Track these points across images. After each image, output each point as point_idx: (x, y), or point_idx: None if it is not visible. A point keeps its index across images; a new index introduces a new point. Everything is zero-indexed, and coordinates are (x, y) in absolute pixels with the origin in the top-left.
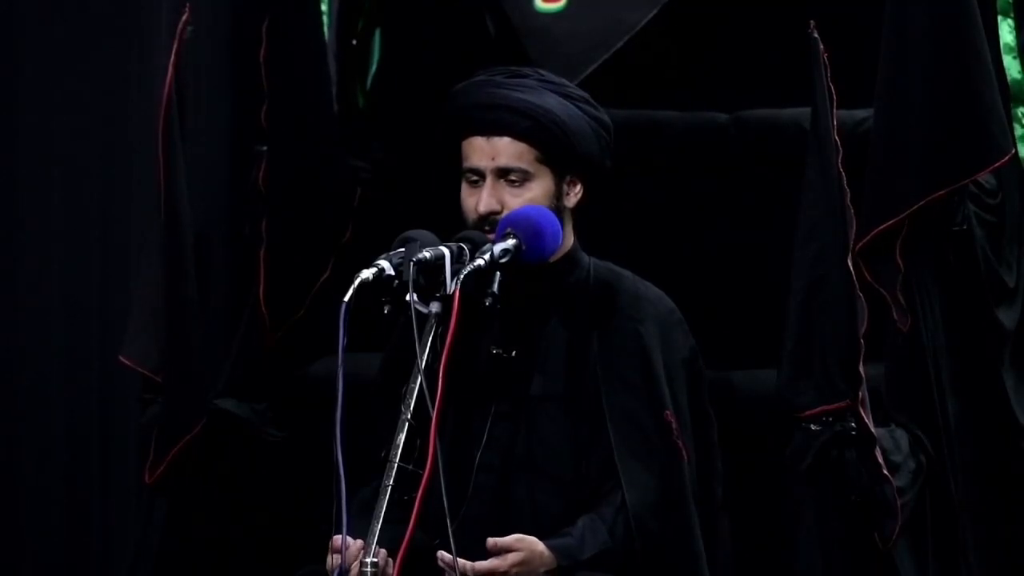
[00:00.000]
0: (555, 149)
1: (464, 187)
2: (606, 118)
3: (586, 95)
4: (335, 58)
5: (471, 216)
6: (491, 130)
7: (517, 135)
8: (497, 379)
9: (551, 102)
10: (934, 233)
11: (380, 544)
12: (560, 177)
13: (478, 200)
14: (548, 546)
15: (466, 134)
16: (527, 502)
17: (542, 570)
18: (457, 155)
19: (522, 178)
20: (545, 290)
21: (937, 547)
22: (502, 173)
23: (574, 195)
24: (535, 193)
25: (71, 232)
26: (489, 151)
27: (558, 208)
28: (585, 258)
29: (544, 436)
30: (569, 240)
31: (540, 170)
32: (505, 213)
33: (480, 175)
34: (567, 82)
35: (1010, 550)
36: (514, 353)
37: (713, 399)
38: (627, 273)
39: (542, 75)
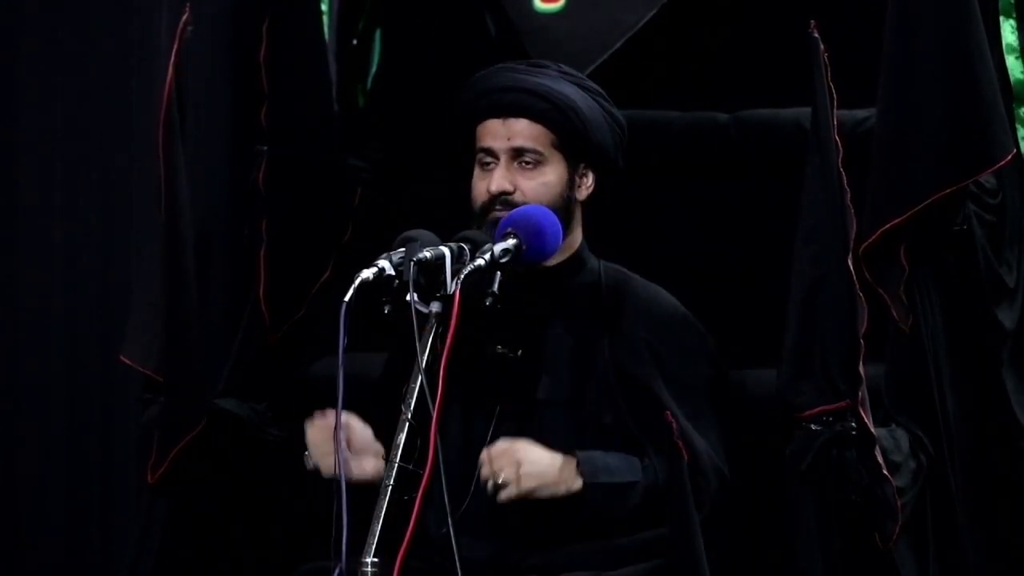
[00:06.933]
0: (570, 134)
1: (476, 171)
2: (621, 117)
3: (603, 92)
4: (335, 58)
5: (481, 198)
6: (508, 112)
7: (534, 117)
8: (502, 379)
9: (568, 90)
10: (934, 233)
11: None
12: (573, 166)
13: (490, 180)
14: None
15: (482, 118)
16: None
17: (560, 486)
18: (463, 150)
19: (536, 160)
20: (551, 289)
21: (937, 547)
22: (517, 154)
23: (585, 187)
24: (548, 178)
25: (71, 231)
26: (504, 132)
27: (569, 199)
28: (594, 259)
29: (547, 439)
30: (578, 238)
31: (554, 155)
32: (517, 196)
33: (494, 156)
34: (584, 77)
35: (1010, 550)
36: (519, 352)
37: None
38: (637, 276)
39: (561, 67)
